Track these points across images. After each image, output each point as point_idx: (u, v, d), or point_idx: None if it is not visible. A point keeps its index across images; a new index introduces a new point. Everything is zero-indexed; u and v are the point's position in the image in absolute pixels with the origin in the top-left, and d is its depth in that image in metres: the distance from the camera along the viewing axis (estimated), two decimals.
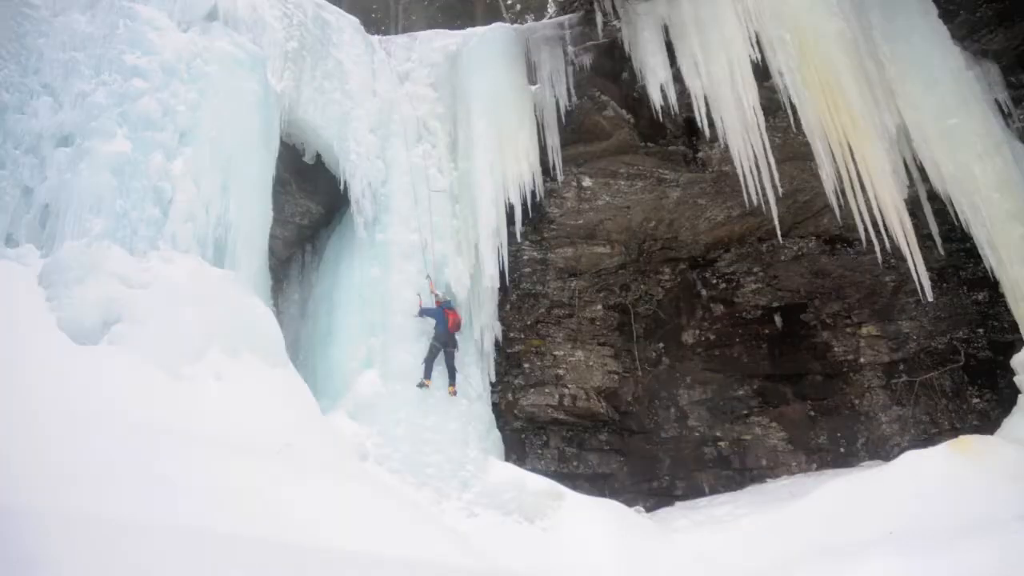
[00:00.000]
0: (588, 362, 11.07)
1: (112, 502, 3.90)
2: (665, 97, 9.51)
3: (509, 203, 9.81)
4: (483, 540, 6.98)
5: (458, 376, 8.85)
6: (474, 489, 7.83)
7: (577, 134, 10.35)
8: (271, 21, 8.83)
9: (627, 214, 10.97)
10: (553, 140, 10.28)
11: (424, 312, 8.80)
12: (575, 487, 8.66)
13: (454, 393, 8.69)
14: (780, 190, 8.78)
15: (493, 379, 9.99)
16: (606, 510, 8.08)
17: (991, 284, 8.60)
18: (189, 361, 6.33)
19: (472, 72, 10.38)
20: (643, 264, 11.71)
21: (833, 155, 8.30)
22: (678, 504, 9.70)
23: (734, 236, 11.39)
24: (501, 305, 10.70)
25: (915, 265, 8.02)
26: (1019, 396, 7.69)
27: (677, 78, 9.46)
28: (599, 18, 10.22)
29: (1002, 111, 8.49)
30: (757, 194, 8.87)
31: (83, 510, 3.61)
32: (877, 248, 8.16)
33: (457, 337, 8.86)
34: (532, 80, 10.78)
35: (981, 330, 9.86)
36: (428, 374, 8.52)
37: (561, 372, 10.91)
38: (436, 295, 8.97)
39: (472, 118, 10.07)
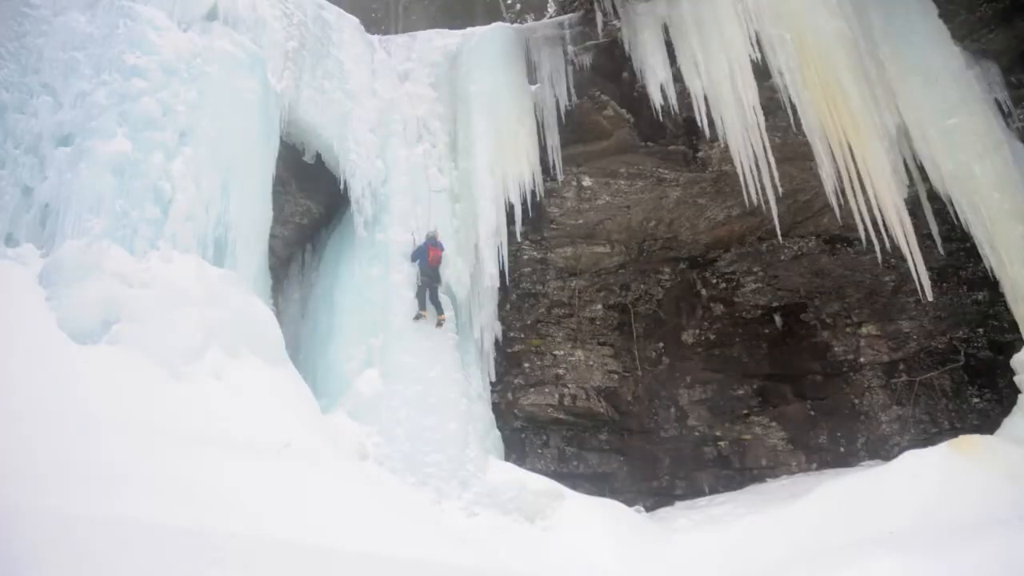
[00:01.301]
0: (588, 362, 11.07)
1: (109, 501, 3.86)
2: (665, 97, 9.48)
3: (509, 203, 9.80)
4: (483, 540, 6.98)
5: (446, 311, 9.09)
6: (474, 489, 7.82)
7: (577, 134, 10.33)
8: (271, 21, 8.79)
9: (627, 214, 10.95)
10: (553, 140, 10.26)
11: (414, 254, 9.10)
12: (575, 487, 8.65)
13: (443, 322, 8.95)
14: (780, 190, 8.75)
15: (493, 379, 9.98)
16: (606, 510, 8.08)
17: (991, 284, 8.57)
18: (189, 360, 6.30)
19: (472, 72, 10.37)
20: (643, 264, 11.70)
21: (833, 155, 8.26)
22: (678, 504, 9.71)
23: (734, 236, 11.38)
24: (501, 305, 10.68)
25: (915, 265, 7.98)
26: (1019, 396, 7.64)
27: (677, 78, 9.43)
28: (599, 18, 10.18)
29: (1002, 111, 8.44)
30: (757, 194, 8.84)
31: (78, 510, 3.57)
32: (877, 248, 8.14)
33: (440, 271, 9.05)
34: (532, 80, 10.75)
35: (981, 330, 9.86)
36: (423, 305, 8.87)
37: (561, 372, 10.91)
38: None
39: (472, 118, 10.05)
